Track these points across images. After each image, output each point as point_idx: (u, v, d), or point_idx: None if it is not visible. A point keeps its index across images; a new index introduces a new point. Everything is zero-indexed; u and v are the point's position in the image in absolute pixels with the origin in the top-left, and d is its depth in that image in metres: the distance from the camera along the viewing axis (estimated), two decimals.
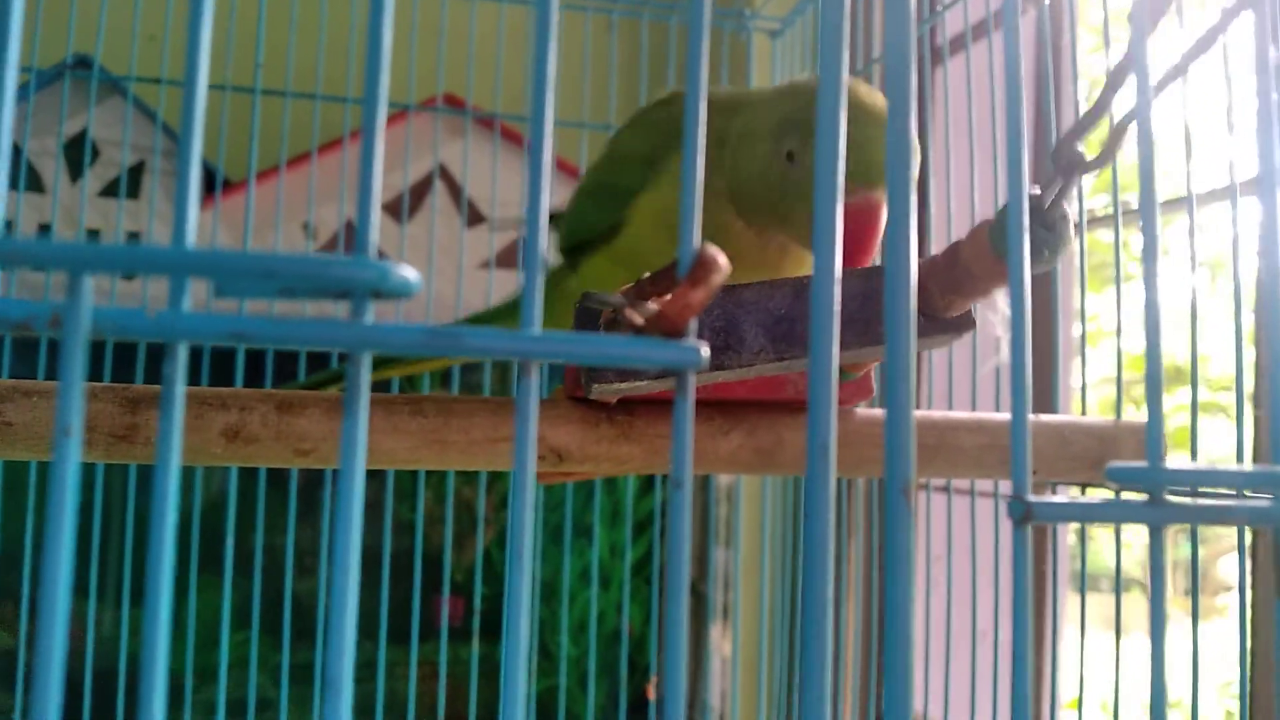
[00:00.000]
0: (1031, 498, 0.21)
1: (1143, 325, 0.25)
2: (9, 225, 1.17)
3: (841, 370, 0.55)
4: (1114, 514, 0.22)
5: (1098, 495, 0.62)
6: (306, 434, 0.53)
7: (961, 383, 0.88)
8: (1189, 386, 0.68)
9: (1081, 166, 0.40)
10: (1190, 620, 0.65)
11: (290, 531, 1.09)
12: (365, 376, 0.20)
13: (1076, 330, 1.03)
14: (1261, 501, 0.23)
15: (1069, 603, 1.21)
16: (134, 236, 1.23)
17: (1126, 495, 0.50)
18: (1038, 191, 0.44)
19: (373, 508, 1.34)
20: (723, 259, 0.22)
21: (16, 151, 1.18)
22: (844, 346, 0.48)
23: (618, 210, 0.68)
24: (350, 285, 0.19)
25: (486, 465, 0.57)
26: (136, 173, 1.25)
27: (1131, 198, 0.82)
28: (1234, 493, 0.52)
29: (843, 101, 0.23)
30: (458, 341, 0.19)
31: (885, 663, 0.21)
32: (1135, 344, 0.87)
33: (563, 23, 1.25)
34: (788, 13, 1.23)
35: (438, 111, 1.27)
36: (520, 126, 1.32)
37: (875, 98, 0.57)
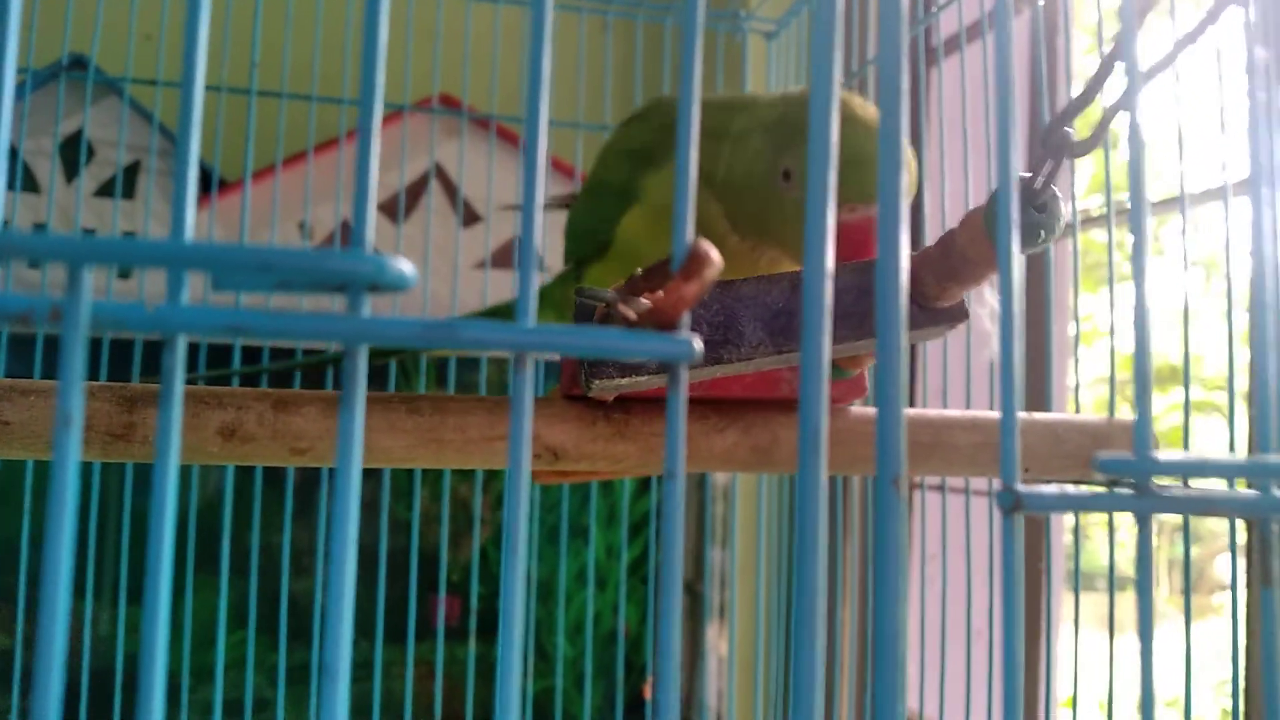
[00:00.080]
0: (1021, 488, 0.21)
1: (1134, 321, 0.25)
2: (5, 225, 1.17)
3: (837, 367, 0.55)
4: (1103, 504, 0.23)
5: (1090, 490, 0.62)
6: (303, 432, 0.54)
7: (956, 381, 0.89)
8: (1183, 385, 0.68)
9: (1071, 149, 0.40)
10: (1184, 618, 0.65)
11: (287, 531, 1.09)
12: (362, 369, 0.21)
13: (1070, 330, 1.03)
14: (1250, 492, 0.23)
15: (1064, 601, 1.22)
16: (129, 236, 1.23)
17: (1119, 490, 0.51)
18: (1028, 175, 0.45)
19: (369, 507, 1.34)
20: (715, 254, 0.22)
21: (12, 152, 1.18)
22: (839, 340, 0.49)
23: (614, 219, 0.69)
24: (347, 278, 0.19)
25: (483, 464, 0.57)
26: (132, 173, 1.25)
27: (1125, 198, 0.83)
28: (1225, 485, 0.52)
29: (835, 102, 0.23)
30: (453, 334, 0.20)
31: (876, 655, 0.21)
32: (1129, 343, 0.87)
33: (558, 23, 1.26)
34: (783, 14, 1.23)
35: (433, 112, 1.27)
36: (516, 127, 1.32)
37: (871, 112, 0.57)
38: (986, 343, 0.82)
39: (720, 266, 0.22)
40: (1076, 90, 0.39)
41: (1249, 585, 0.77)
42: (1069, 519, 1.08)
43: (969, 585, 0.82)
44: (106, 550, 1.23)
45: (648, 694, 1.41)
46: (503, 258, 1.34)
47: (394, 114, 1.27)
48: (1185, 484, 0.54)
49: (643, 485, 1.45)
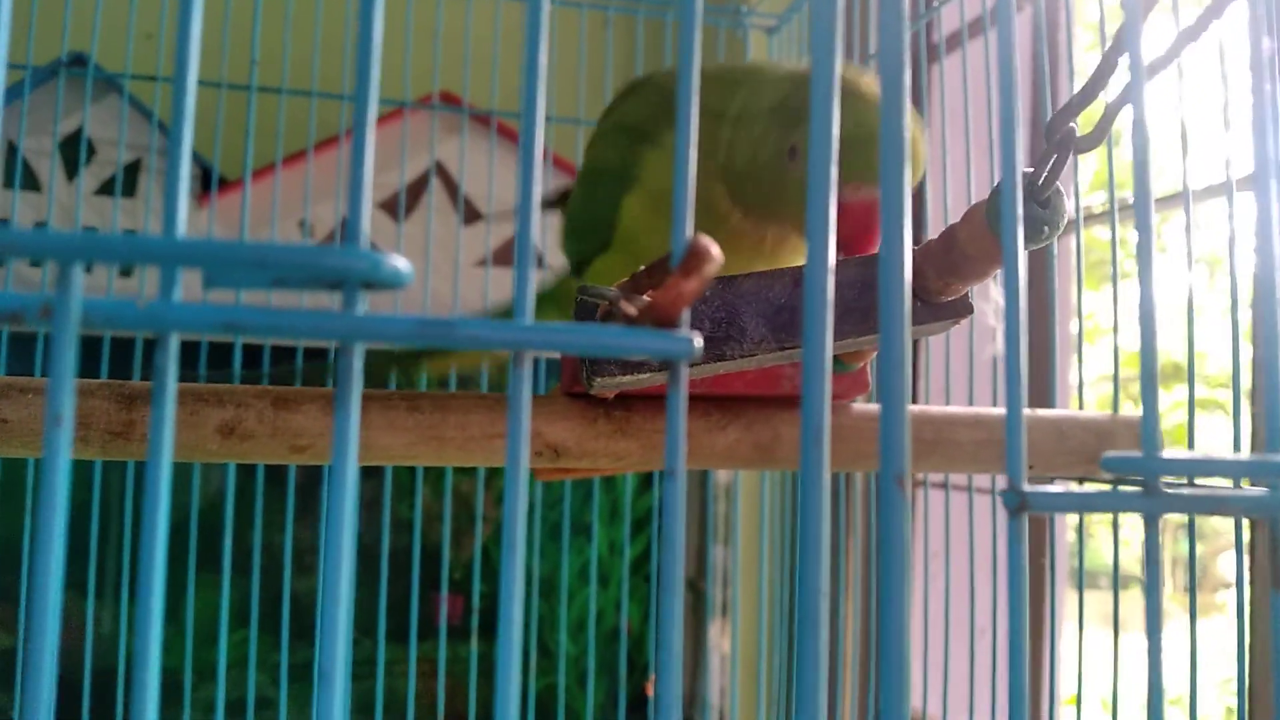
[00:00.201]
0: (1026, 487, 0.21)
1: (1139, 318, 0.25)
2: (3, 223, 1.16)
3: (840, 362, 0.55)
4: (1110, 504, 0.22)
5: (1095, 488, 0.61)
6: (303, 430, 0.53)
7: (959, 378, 0.88)
8: (1187, 383, 0.68)
9: (1075, 143, 0.40)
10: (1189, 616, 0.65)
11: (289, 530, 1.08)
12: (358, 367, 0.20)
13: (1074, 328, 1.03)
14: (1258, 491, 0.23)
15: (1068, 600, 1.21)
16: (129, 234, 1.23)
17: (1125, 489, 0.50)
18: (1031, 170, 0.44)
19: (371, 506, 1.34)
20: (715, 249, 0.22)
21: (12, 150, 1.18)
22: (842, 336, 0.48)
23: (614, 205, 0.68)
24: (342, 275, 0.19)
25: (484, 461, 0.56)
26: (133, 171, 1.25)
27: (1129, 195, 0.82)
28: (1230, 484, 0.52)
29: (835, 97, 0.23)
30: (450, 331, 0.19)
31: (880, 652, 0.20)
32: (1133, 340, 0.87)
33: (559, 19, 1.25)
34: (784, 9, 1.23)
35: (434, 109, 1.27)
36: (517, 124, 1.31)
37: (878, 89, 0.57)
38: (990, 338, 0.82)
39: (720, 262, 0.22)
40: (1078, 87, 0.39)
41: (1253, 583, 0.76)
42: (1073, 518, 1.08)
43: (972, 583, 0.82)
44: (108, 549, 1.23)
45: (650, 691, 1.41)
46: (504, 255, 1.34)
47: (394, 112, 1.27)
48: (1191, 483, 0.53)
49: (645, 482, 1.44)
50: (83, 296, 0.19)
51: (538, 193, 0.22)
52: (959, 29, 0.89)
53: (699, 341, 0.21)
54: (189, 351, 1.08)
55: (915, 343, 1.03)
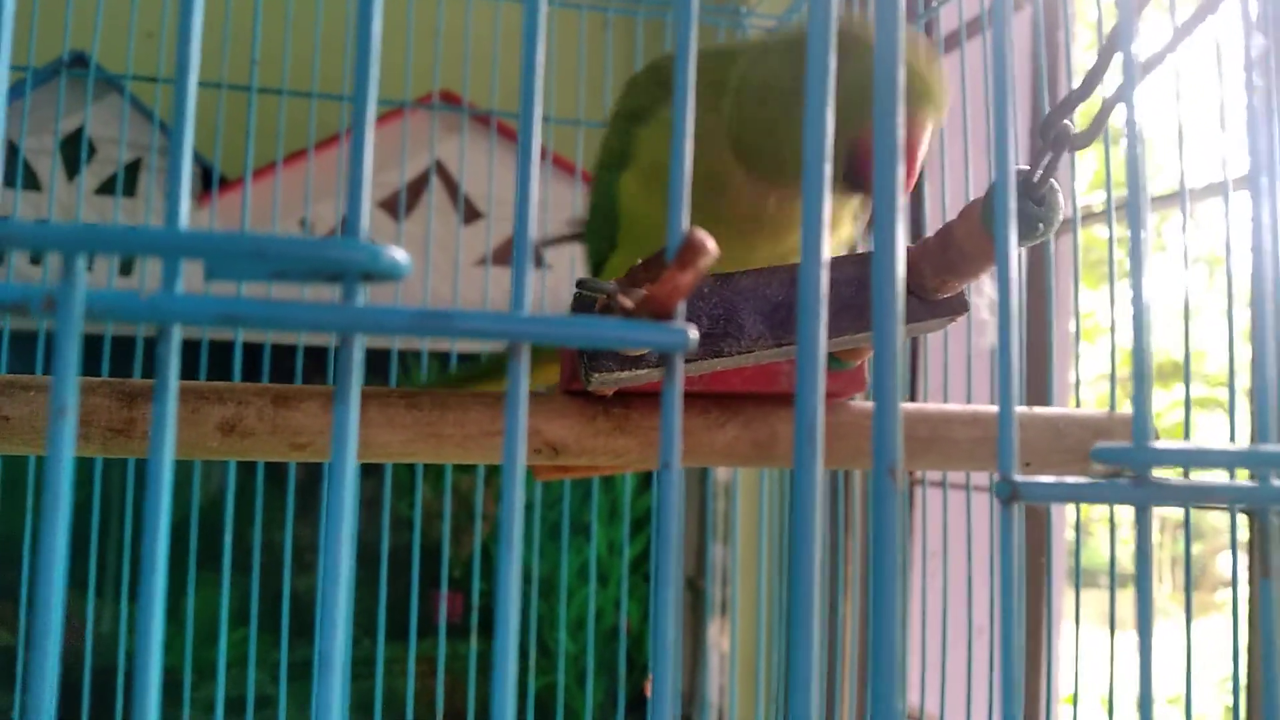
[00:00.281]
0: (1018, 477, 0.21)
1: (1132, 308, 0.25)
2: (4, 220, 1.16)
3: (837, 359, 0.55)
4: (1101, 494, 0.23)
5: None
6: (303, 428, 0.54)
7: (956, 376, 0.88)
8: (1184, 381, 0.68)
9: (1069, 141, 0.40)
10: (1185, 614, 0.65)
11: (289, 529, 1.09)
12: (358, 360, 0.21)
13: (1071, 327, 1.03)
14: (1250, 483, 0.23)
15: (1065, 598, 1.22)
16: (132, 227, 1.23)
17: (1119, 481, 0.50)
18: (1026, 167, 0.44)
19: (371, 504, 1.35)
20: (711, 243, 0.22)
21: (13, 149, 1.18)
22: (839, 332, 0.49)
23: (615, 191, 0.67)
24: (341, 267, 0.19)
25: (483, 459, 0.57)
26: (133, 170, 1.25)
27: (1127, 194, 0.82)
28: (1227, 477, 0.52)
29: (830, 97, 0.23)
30: (448, 323, 0.19)
31: (874, 643, 0.21)
32: (1130, 339, 0.87)
33: (559, 20, 1.26)
34: (784, 10, 1.23)
35: (434, 109, 1.27)
36: (516, 123, 1.31)
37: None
38: (984, 332, 0.82)
39: (715, 255, 0.22)
40: (1077, 85, 0.39)
41: (1250, 581, 0.76)
42: (1070, 514, 1.08)
43: (970, 582, 0.82)
44: (109, 548, 1.24)
45: (649, 690, 1.41)
46: (504, 254, 1.34)
47: (394, 111, 1.27)
48: (1185, 475, 0.54)
49: (644, 482, 1.45)
50: (86, 287, 0.19)
51: (535, 191, 0.22)
52: (958, 28, 0.89)
53: (695, 334, 0.21)
54: (190, 355, 1.08)
55: (914, 342, 1.03)
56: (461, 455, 0.56)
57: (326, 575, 0.20)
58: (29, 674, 0.19)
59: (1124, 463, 0.22)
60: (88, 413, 0.52)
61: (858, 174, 0.55)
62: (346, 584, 0.21)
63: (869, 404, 0.60)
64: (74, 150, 1.22)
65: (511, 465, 0.21)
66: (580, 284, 0.36)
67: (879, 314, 0.20)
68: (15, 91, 1.15)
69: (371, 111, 0.21)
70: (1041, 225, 0.45)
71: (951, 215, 0.51)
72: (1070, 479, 0.22)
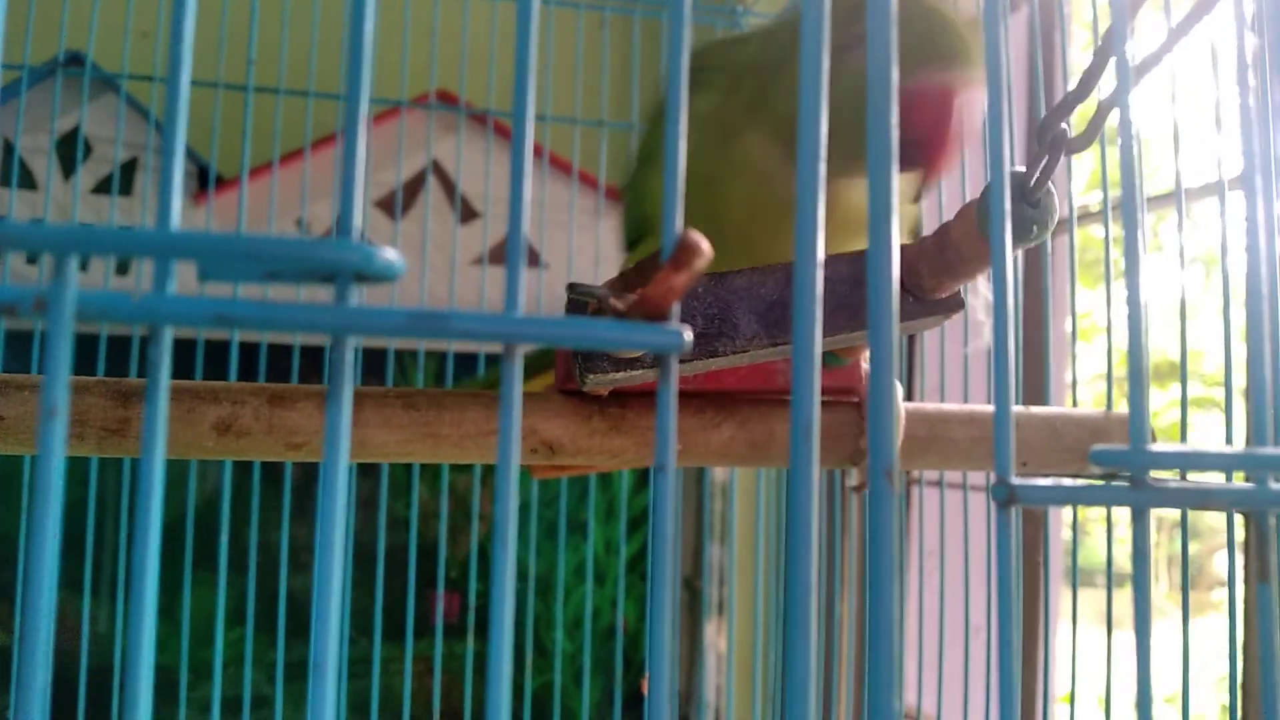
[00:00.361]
0: (1015, 480, 0.21)
1: (1128, 309, 0.25)
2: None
3: (834, 357, 0.55)
4: (1099, 497, 0.23)
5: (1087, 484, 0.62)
6: (298, 428, 0.53)
7: (953, 376, 0.88)
8: (1180, 381, 0.68)
9: (1066, 144, 0.40)
10: (1182, 614, 0.65)
11: (285, 528, 1.08)
12: (350, 360, 0.20)
13: (1068, 327, 1.03)
14: (1247, 485, 0.23)
15: (1062, 598, 1.22)
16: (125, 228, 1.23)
17: (1116, 484, 0.50)
18: (1022, 170, 0.44)
19: (367, 504, 1.34)
20: (705, 244, 0.22)
21: (9, 148, 1.18)
22: (834, 331, 0.49)
23: (644, 189, 0.67)
24: (334, 268, 0.19)
25: (479, 459, 0.57)
26: (129, 169, 1.25)
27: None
28: (1223, 479, 0.52)
29: (823, 99, 0.23)
30: (442, 324, 0.19)
31: (870, 643, 0.21)
32: (1126, 339, 0.87)
33: (556, 20, 1.25)
34: (781, 10, 1.23)
35: (431, 108, 1.27)
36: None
37: None
38: (980, 333, 0.82)
39: (709, 257, 0.22)
40: (1074, 86, 0.39)
41: (1247, 581, 0.76)
42: (1067, 514, 1.08)
43: (967, 582, 0.82)
44: (104, 548, 1.23)
45: (646, 690, 1.41)
46: (501, 254, 1.34)
47: (391, 110, 1.27)
48: (1183, 477, 0.53)
49: (641, 480, 1.45)
50: (77, 288, 0.19)
51: (529, 189, 0.22)
52: None
53: (689, 335, 0.21)
54: (186, 355, 1.08)
55: (910, 341, 1.03)
56: (458, 455, 0.56)
57: (321, 577, 0.20)
58: (19, 673, 0.19)
59: (1122, 466, 0.22)
60: (82, 412, 0.51)
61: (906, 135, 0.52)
62: (340, 586, 0.21)
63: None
64: (70, 149, 1.22)
65: (506, 464, 0.21)
66: (571, 288, 0.36)
67: (874, 317, 0.20)
68: (11, 90, 1.15)
69: (364, 110, 0.21)
70: (1036, 228, 0.45)
71: (949, 214, 0.51)
72: (1067, 481, 0.22)
